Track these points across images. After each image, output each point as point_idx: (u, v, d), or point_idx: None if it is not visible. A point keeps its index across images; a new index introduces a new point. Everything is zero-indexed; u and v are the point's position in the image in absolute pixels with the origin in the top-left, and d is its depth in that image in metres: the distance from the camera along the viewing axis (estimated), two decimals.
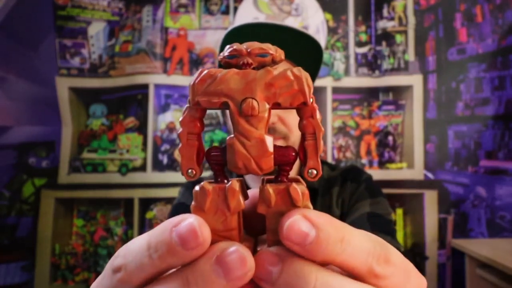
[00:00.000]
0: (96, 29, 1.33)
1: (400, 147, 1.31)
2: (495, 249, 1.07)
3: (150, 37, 1.33)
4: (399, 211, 1.28)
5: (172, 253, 0.14)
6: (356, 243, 0.15)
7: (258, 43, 0.17)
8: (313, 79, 0.72)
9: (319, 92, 1.32)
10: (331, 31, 1.35)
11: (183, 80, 1.33)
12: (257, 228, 0.18)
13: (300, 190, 0.16)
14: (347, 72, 1.34)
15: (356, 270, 0.15)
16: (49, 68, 1.29)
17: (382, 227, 0.57)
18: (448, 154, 1.27)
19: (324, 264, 0.15)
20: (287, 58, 0.73)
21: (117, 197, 1.28)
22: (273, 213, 0.16)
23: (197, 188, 0.16)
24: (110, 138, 1.31)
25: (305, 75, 0.16)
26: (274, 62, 0.17)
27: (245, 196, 0.17)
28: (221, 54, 0.17)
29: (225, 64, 0.17)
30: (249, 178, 0.69)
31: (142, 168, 1.30)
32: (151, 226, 1.27)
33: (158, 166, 1.30)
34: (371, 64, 1.33)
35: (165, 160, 1.31)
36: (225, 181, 0.17)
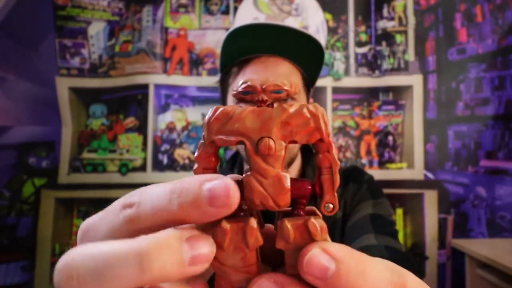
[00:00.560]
0: (96, 29, 1.33)
1: (400, 147, 1.31)
2: (495, 249, 1.07)
3: (150, 37, 1.33)
4: (399, 211, 1.28)
5: (195, 205, 0.14)
6: (376, 274, 0.15)
7: (273, 79, 0.17)
8: (315, 80, 0.72)
9: (319, 92, 1.32)
10: (331, 31, 1.35)
11: (183, 80, 1.33)
12: (270, 255, 0.18)
13: (318, 224, 0.16)
14: (347, 72, 1.34)
15: None
16: (49, 68, 1.29)
17: (385, 229, 0.57)
18: (448, 154, 1.27)
19: None
20: (288, 58, 0.73)
21: (117, 197, 1.25)
22: (292, 249, 0.16)
23: (215, 227, 0.16)
24: (110, 138, 1.31)
25: (321, 112, 0.16)
26: (289, 97, 0.17)
27: (261, 225, 0.17)
28: (235, 89, 0.17)
29: (239, 100, 0.17)
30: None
31: (142, 168, 1.30)
32: None
33: (158, 166, 1.30)
34: (371, 64, 1.33)
35: (165, 160, 1.31)
36: (241, 214, 0.17)
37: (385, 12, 1.33)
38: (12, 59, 1.26)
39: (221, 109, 0.16)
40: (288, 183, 0.16)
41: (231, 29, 0.64)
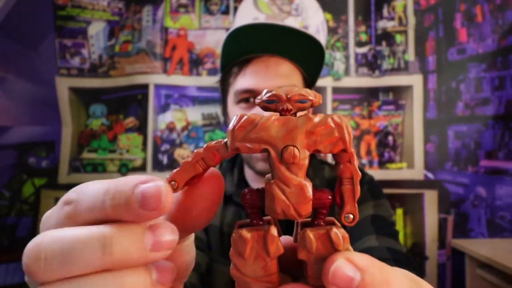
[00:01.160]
0: (96, 29, 1.32)
1: (400, 147, 1.31)
2: (495, 249, 1.07)
3: (150, 37, 1.33)
4: (399, 211, 1.28)
5: (127, 207, 0.14)
6: (398, 282, 0.15)
7: (298, 89, 0.17)
8: (315, 80, 0.72)
9: (319, 92, 1.32)
10: (331, 31, 1.35)
11: (183, 80, 1.33)
12: (287, 266, 0.18)
13: (340, 234, 0.16)
14: (347, 72, 1.34)
15: None
16: (49, 68, 1.29)
17: (386, 230, 0.57)
18: (448, 154, 1.27)
19: None
20: (288, 58, 0.73)
21: None
22: (314, 259, 0.16)
23: (235, 235, 0.16)
24: (110, 138, 1.31)
25: (345, 123, 0.17)
26: (313, 107, 0.17)
27: (279, 235, 0.17)
28: (259, 97, 0.17)
29: (263, 108, 0.17)
30: (249, 178, 0.69)
31: (142, 168, 1.30)
32: None
33: (158, 166, 1.30)
34: (371, 64, 1.33)
35: (165, 160, 1.31)
36: (260, 222, 0.17)
37: (385, 12, 1.33)
38: (12, 59, 1.26)
39: (245, 117, 0.17)
40: (310, 193, 0.16)
41: (232, 29, 0.64)
